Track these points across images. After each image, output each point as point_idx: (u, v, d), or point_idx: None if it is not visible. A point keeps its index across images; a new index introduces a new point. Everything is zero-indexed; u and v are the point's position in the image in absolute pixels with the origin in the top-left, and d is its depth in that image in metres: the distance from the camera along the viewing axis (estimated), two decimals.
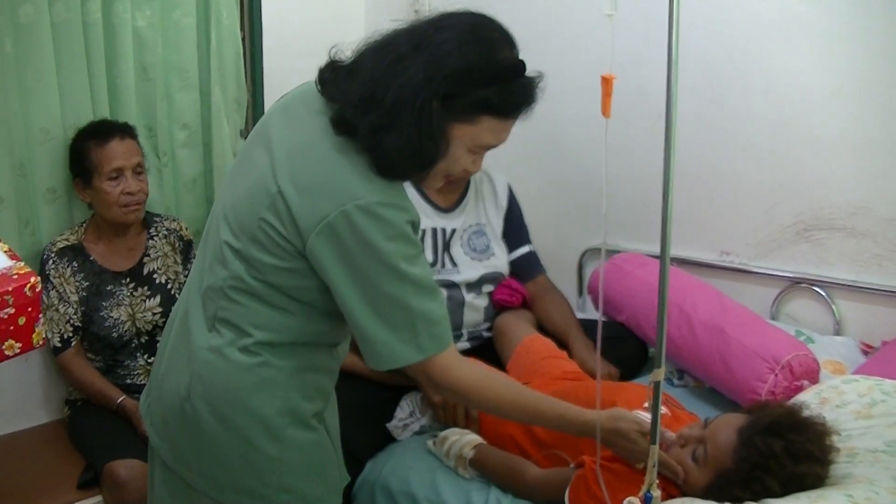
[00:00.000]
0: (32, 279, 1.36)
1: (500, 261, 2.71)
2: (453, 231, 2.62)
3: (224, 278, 1.62)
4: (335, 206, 1.49)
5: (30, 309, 1.36)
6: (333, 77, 1.59)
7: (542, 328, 2.67)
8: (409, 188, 2.57)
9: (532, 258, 2.81)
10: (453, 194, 2.66)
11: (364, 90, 1.51)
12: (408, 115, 1.48)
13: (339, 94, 1.56)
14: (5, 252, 1.47)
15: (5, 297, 1.33)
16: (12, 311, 1.34)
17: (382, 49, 1.54)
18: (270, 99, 3.44)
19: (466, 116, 1.52)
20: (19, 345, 1.38)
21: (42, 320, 1.39)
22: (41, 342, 1.41)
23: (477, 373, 1.66)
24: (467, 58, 1.49)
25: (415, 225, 1.56)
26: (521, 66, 1.54)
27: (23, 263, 1.43)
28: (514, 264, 2.77)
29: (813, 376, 2.26)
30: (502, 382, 1.73)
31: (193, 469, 1.69)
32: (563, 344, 2.60)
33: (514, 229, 2.78)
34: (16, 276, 1.37)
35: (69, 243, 2.60)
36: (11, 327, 1.35)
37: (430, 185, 1.67)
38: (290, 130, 1.61)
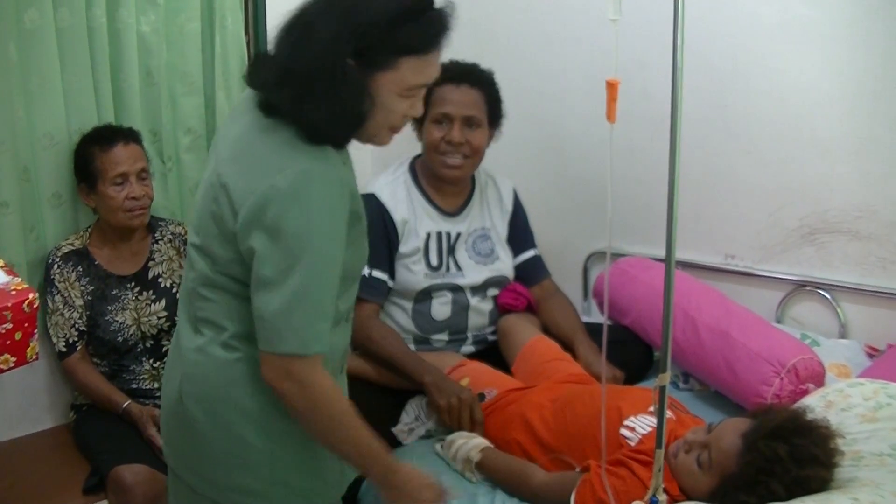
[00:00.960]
0: (30, 295, 1.36)
1: (504, 265, 2.70)
2: (458, 235, 2.62)
3: (194, 279, 1.65)
4: (265, 182, 1.50)
5: (26, 325, 1.36)
6: (257, 68, 1.62)
7: (548, 331, 2.66)
8: (414, 192, 2.59)
9: (537, 262, 2.81)
10: (458, 198, 2.66)
11: (279, 67, 1.53)
12: (325, 80, 1.49)
13: (260, 80, 1.58)
14: (2, 268, 1.46)
15: (4, 313, 1.32)
16: (10, 326, 1.33)
17: (292, 25, 1.56)
18: None
19: (385, 64, 1.53)
20: (14, 359, 1.37)
21: (37, 335, 1.39)
22: (34, 357, 1.40)
23: (333, 385, 1.60)
24: (371, 7, 1.50)
25: (344, 194, 1.55)
26: None
27: (20, 279, 1.42)
28: (519, 268, 2.77)
29: (818, 380, 2.25)
30: (345, 408, 1.63)
31: (194, 471, 1.70)
32: (568, 347, 2.60)
33: (520, 233, 2.78)
34: (14, 293, 1.36)
35: (74, 248, 2.60)
36: (8, 342, 1.34)
37: (378, 142, 1.66)
38: (230, 127, 1.66)
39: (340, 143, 1.60)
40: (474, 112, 2.53)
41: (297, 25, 1.54)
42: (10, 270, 1.45)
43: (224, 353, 1.62)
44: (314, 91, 1.50)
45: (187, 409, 1.66)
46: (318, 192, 1.50)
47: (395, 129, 1.66)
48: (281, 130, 1.54)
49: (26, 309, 1.35)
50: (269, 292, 1.51)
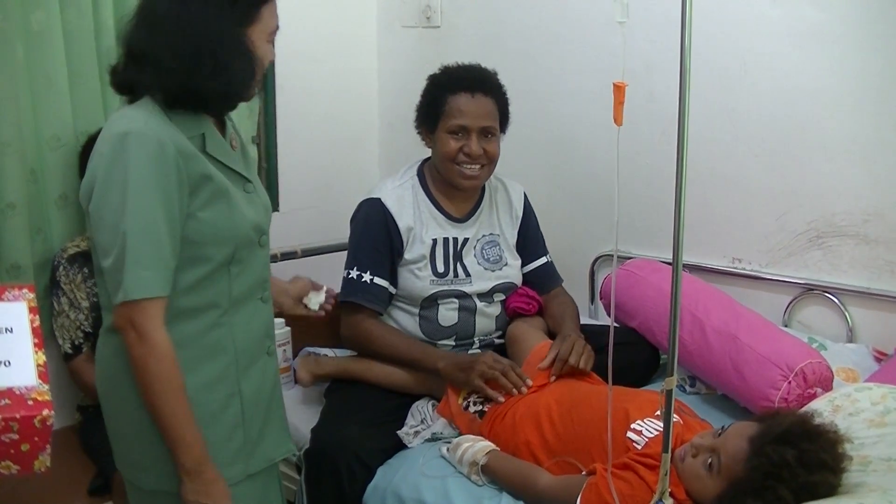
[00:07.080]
0: (45, 411, 1.31)
1: (512, 271, 2.68)
2: (465, 240, 2.60)
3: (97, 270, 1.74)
4: (96, 154, 1.65)
5: (36, 438, 1.29)
6: (124, 74, 1.71)
7: (551, 334, 2.65)
8: (421, 197, 2.58)
9: (550, 269, 2.78)
10: (467, 203, 2.64)
11: (159, 58, 1.62)
12: (217, 52, 1.62)
13: (132, 78, 1.69)
14: (39, 366, 1.41)
15: (10, 423, 1.28)
16: (16, 437, 1.27)
17: (152, 23, 1.65)
18: (282, 105, 3.45)
19: (254, 17, 1.69)
20: (17, 467, 1.32)
21: (48, 450, 1.33)
22: (43, 469, 1.35)
23: (170, 346, 1.62)
24: None
25: (165, 151, 1.59)
26: None
27: (46, 388, 1.37)
28: (531, 275, 2.74)
29: (826, 384, 2.24)
30: (175, 375, 1.64)
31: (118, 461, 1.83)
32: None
33: (531, 240, 2.75)
34: (31, 403, 1.31)
35: (80, 250, 2.60)
36: (12, 451, 1.28)
37: (249, 97, 1.77)
38: None
39: (230, 107, 1.74)
40: (491, 122, 2.51)
41: (157, 20, 1.64)
42: (44, 374, 1.41)
43: (111, 336, 1.70)
44: (207, 65, 1.61)
45: (98, 389, 1.80)
46: (135, 150, 1.58)
47: (260, 81, 1.77)
48: (128, 110, 1.66)
49: (37, 424, 1.29)
50: (105, 253, 1.61)
